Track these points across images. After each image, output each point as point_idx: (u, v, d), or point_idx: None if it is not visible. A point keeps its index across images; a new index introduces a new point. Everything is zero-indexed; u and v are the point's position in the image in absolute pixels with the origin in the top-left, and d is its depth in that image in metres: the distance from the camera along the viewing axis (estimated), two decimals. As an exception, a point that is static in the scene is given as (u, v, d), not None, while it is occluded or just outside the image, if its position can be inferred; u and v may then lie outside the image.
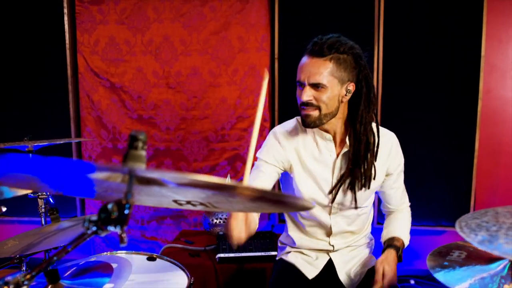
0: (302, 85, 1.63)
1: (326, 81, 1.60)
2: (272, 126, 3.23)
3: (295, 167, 1.77)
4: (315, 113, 1.63)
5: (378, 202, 3.17)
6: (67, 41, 3.14)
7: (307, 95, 1.61)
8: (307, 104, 1.62)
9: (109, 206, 0.81)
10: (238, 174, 3.25)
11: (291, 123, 1.85)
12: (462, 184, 3.15)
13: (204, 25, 3.11)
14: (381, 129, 1.79)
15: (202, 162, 3.24)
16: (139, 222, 3.30)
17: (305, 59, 1.64)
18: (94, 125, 3.23)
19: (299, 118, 1.82)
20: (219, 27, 3.12)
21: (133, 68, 3.15)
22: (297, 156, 1.77)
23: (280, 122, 3.13)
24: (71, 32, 3.16)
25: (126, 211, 0.81)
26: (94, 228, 0.83)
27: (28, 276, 0.90)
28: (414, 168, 3.15)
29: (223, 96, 3.18)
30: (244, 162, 3.22)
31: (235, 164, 3.25)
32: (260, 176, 1.75)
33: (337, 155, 1.75)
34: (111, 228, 0.81)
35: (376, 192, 1.90)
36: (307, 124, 1.66)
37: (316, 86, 1.61)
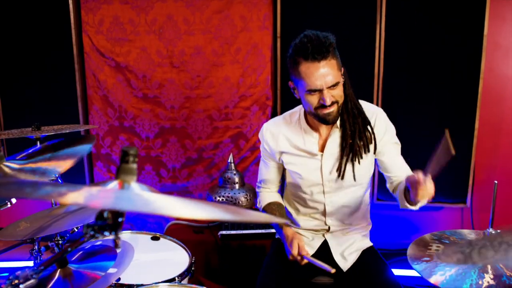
0: (318, 91, 1.68)
1: (338, 77, 1.70)
2: (275, 104, 3.28)
3: (287, 151, 1.92)
4: (335, 109, 1.73)
5: (378, 181, 3.26)
6: (72, 21, 3.18)
7: (329, 97, 1.68)
8: (330, 104, 1.70)
9: (105, 214, 0.90)
10: (240, 152, 3.33)
11: (280, 117, 2.02)
12: (462, 162, 3.19)
13: (206, 4, 3.13)
14: (366, 103, 1.90)
15: (206, 140, 3.32)
16: (146, 197, 3.42)
17: (313, 66, 1.65)
18: (100, 103, 3.31)
19: (286, 115, 1.98)
20: (222, 6, 3.13)
21: (137, 48, 3.20)
22: (288, 142, 1.92)
23: (282, 101, 3.23)
24: (76, 12, 3.19)
25: (120, 219, 0.90)
26: (92, 232, 0.92)
27: (36, 271, 1.00)
28: (414, 145, 3.20)
29: (226, 75, 3.22)
30: (247, 140, 3.30)
31: (238, 142, 3.33)
32: (268, 170, 2.04)
33: (326, 139, 1.86)
34: (106, 234, 0.90)
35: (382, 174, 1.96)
36: (330, 121, 1.76)
37: (332, 86, 1.68)
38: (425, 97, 3.14)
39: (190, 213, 0.72)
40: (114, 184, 0.88)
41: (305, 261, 1.76)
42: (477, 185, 3.27)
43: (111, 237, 0.90)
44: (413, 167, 3.06)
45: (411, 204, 1.75)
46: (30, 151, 1.68)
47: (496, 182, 1.67)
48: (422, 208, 3.34)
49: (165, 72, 3.23)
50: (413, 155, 3.20)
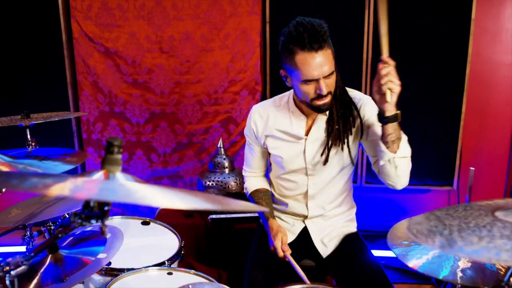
0: (314, 81, 1.68)
1: (333, 66, 1.69)
2: (264, 89, 3.31)
3: (273, 135, 1.93)
4: (329, 99, 1.73)
5: (367, 164, 3.31)
6: (60, 6, 3.16)
7: (325, 87, 1.68)
8: (326, 94, 1.70)
9: (92, 203, 0.94)
10: (231, 136, 3.36)
11: (269, 100, 2.02)
12: (448, 146, 3.25)
13: (195, -12, 3.12)
14: (354, 91, 1.91)
15: (196, 125, 3.35)
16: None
17: (310, 56, 1.64)
18: (90, 89, 3.31)
19: (276, 98, 1.98)
20: (210, -10, 3.13)
21: (126, 33, 3.19)
22: (275, 125, 1.93)
23: (271, 85, 3.25)
24: (63, -3, 3.18)
25: (106, 208, 0.93)
26: (79, 221, 0.95)
27: (27, 258, 1.04)
28: (402, 128, 3.25)
29: (215, 60, 3.23)
30: (237, 125, 3.34)
31: (228, 126, 3.36)
32: (253, 155, 2.07)
33: (312, 123, 1.88)
34: (93, 222, 0.94)
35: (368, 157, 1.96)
36: (324, 110, 1.78)
37: (328, 76, 1.68)
38: (413, 82, 3.16)
39: (171, 203, 0.76)
40: (99, 175, 0.91)
41: (285, 257, 1.82)
42: (463, 167, 3.33)
43: (98, 225, 0.94)
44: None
45: (387, 146, 1.67)
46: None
47: (473, 168, 1.72)
48: (410, 191, 3.46)
49: (154, 58, 3.24)
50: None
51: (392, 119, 1.62)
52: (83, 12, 3.17)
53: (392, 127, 1.64)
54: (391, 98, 1.57)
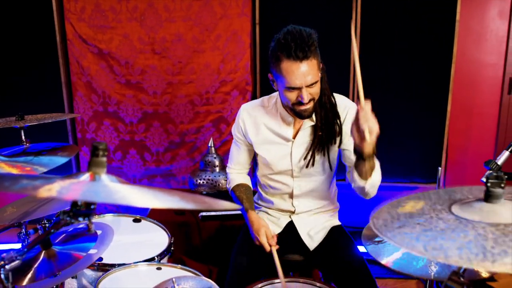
0: (297, 89, 1.74)
1: (317, 76, 1.75)
2: (254, 89, 3.38)
3: (261, 134, 2.00)
4: (311, 106, 1.80)
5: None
6: (54, 8, 3.22)
7: (307, 95, 1.74)
8: (308, 101, 1.76)
9: (79, 202, 1.02)
10: (222, 136, 3.44)
11: (258, 100, 2.09)
12: (435, 143, 3.33)
13: (186, -9, 3.19)
14: (342, 98, 1.97)
15: (188, 124, 3.42)
16: (131, 180, 3.54)
17: (294, 65, 1.69)
18: (84, 89, 3.38)
19: (265, 98, 2.04)
20: (201, -7, 3.19)
21: (119, 35, 3.26)
22: (264, 125, 1.99)
23: (261, 86, 3.32)
24: (57, -1, 3.24)
25: (92, 206, 1.01)
26: (68, 219, 1.03)
27: (20, 253, 1.12)
28: (388, 127, 3.32)
29: (206, 61, 3.30)
30: (228, 124, 3.41)
31: (220, 126, 3.43)
32: (239, 152, 2.12)
33: (299, 127, 1.95)
34: (80, 219, 1.02)
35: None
36: (305, 117, 1.84)
37: (311, 85, 1.74)
38: (399, 81, 3.25)
39: (148, 203, 0.84)
40: (86, 176, 0.99)
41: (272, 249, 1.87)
42: (449, 165, 3.42)
43: (85, 222, 1.02)
44: (389, 153, 3.21)
45: (360, 176, 1.73)
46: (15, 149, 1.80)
47: (440, 168, 1.80)
48: (397, 188, 3.53)
49: (147, 59, 3.31)
50: (389, 140, 3.36)
51: (369, 157, 1.64)
52: (77, 14, 3.24)
53: (368, 163, 1.66)
54: (370, 137, 1.54)
